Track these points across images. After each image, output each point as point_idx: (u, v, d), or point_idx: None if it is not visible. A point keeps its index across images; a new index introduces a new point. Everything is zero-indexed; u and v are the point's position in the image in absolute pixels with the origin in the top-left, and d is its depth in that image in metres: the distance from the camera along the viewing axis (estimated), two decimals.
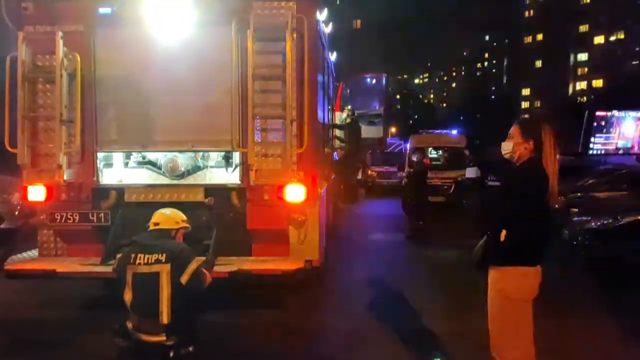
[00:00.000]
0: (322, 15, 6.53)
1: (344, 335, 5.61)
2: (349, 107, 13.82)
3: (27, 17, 5.91)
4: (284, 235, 6.01)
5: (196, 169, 6.38)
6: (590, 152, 17.96)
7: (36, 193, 5.90)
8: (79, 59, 5.82)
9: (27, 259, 6.10)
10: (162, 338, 3.91)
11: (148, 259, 3.93)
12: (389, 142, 23.72)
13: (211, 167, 6.43)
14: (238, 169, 6.11)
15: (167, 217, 4.20)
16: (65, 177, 5.79)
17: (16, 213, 9.25)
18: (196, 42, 5.89)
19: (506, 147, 3.56)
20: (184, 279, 3.89)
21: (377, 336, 5.53)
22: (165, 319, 3.89)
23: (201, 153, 6.38)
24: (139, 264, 3.93)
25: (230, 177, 6.24)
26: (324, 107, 7.42)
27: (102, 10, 5.88)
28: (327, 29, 7.67)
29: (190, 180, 6.26)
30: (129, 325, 3.97)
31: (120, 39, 5.97)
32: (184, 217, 4.29)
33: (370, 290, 7.28)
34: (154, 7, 5.68)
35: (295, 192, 5.81)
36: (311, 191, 5.96)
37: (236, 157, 6.18)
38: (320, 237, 6.30)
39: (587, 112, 18.35)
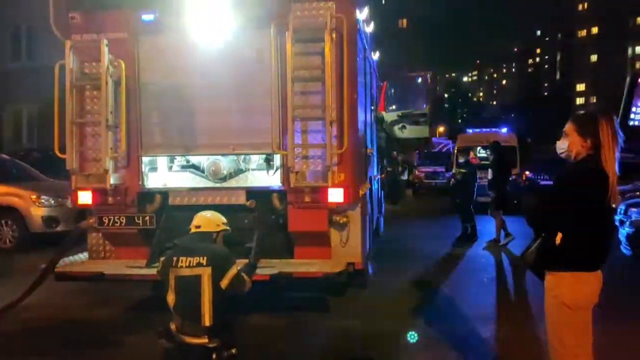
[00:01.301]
0: (362, 14, 6.45)
1: (389, 339, 5.49)
2: (385, 104, 13.61)
3: (75, 27, 6.10)
4: (325, 237, 5.95)
5: (238, 171, 6.41)
6: (631, 122, 17.02)
7: (85, 197, 6.08)
8: (123, 65, 5.96)
9: (77, 262, 6.30)
10: (205, 340, 3.93)
11: (190, 262, 3.96)
12: (436, 141, 23.33)
13: (252, 169, 6.46)
14: (279, 171, 6.11)
15: (209, 220, 4.22)
16: (112, 182, 5.94)
17: (69, 216, 9.59)
18: (236, 46, 5.93)
19: (562, 146, 3.36)
20: (223, 283, 3.90)
21: (423, 341, 5.39)
22: (207, 321, 3.91)
23: (243, 156, 6.41)
24: (181, 266, 3.97)
25: (271, 179, 6.24)
26: (366, 107, 7.32)
27: (145, 17, 6.00)
28: (369, 28, 7.57)
29: (232, 183, 6.30)
30: (173, 327, 4.01)
31: (162, 45, 6.08)
32: (224, 220, 4.30)
33: (416, 293, 7.13)
34: (195, 13, 5.74)
35: (336, 194, 5.75)
36: (352, 193, 5.88)
37: (277, 159, 6.17)
38: (363, 240, 6.22)
39: (628, 78, 17.42)
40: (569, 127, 3.34)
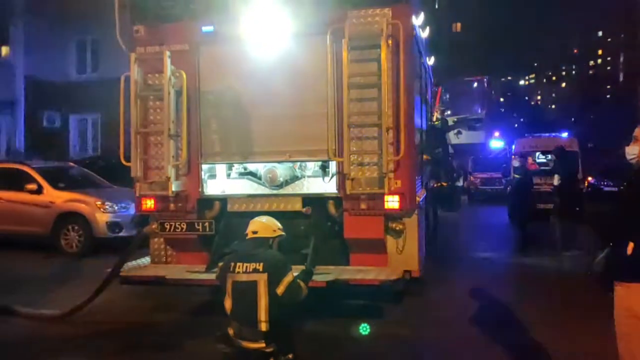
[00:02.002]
0: (418, 20, 6.40)
1: (444, 348, 5.40)
2: (440, 110, 13.42)
3: (138, 40, 6.35)
4: (381, 244, 5.92)
5: (294, 178, 6.48)
6: None
7: (148, 204, 6.29)
8: (184, 76, 6.14)
9: (140, 266, 6.52)
10: (262, 345, 3.98)
11: (246, 267, 4.02)
12: (492, 147, 22.76)
13: (308, 176, 6.51)
14: (335, 178, 6.13)
15: (265, 226, 4.27)
16: (173, 189, 6.12)
17: (131, 222, 9.94)
18: (293, 54, 6.01)
19: (631, 151, 3.22)
20: (279, 290, 3.93)
21: (482, 352, 5.26)
22: (264, 326, 3.95)
23: (299, 163, 6.47)
24: (238, 272, 4.03)
25: (327, 186, 6.27)
26: (422, 113, 7.25)
27: (205, 28, 6.17)
28: (424, 34, 7.50)
29: (288, 190, 6.37)
30: (230, 332, 4.07)
31: (221, 55, 6.24)
32: (280, 225, 4.34)
33: (473, 302, 6.96)
34: (253, 23, 5.86)
35: (392, 201, 5.72)
36: (409, 200, 5.83)
37: (332, 166, 6.19)
38: (420, 247, 6.15)
39: None
40: (638, 131, 3.20)
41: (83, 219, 10.45)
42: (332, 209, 6.05)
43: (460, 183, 17.49)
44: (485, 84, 18.51)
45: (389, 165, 5.63)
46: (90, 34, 20.48)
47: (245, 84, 6.19)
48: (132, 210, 10.11)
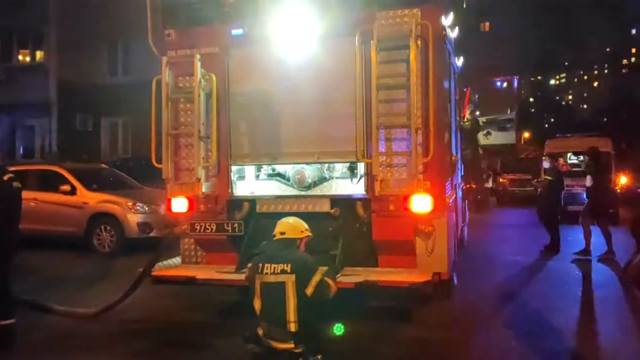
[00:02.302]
0: (447, 20, 6.35)
1: (474, 351, 5.34)
2: (469, 110, 13.25)
3: (170, 43, 6.45)
4: (410, 246, 5.88)
5: (322, 180, 6.49)
6: None
7: (179, 205, 6.37)
8: (214, 78, 6.21)
9: (171, 266, 6.61)
10: (291, 345, 4.00)
11: (274, 268, 4.05)
12: (521, 148, 22.41)
13: (337, 178, 6.50)
14: (363, 179, 6.11)
15: (292, 227, 4.29)
16: (203, 190, 6.18)
17: (162, 223, 10.09)
18: (321, 56, 6.02)
19: None
20: (308, 290, 3.95)
21: (512, 357, 5.19)
22: (293, 327, 3.97)
23: (327, 164, 6.48)
24: (266, 273, 4.06)
25: (355, 187, 6.25)
26: (451, 114, 7.19)
27: (235, 31, 6.23)
28: (453, 34, 7.44)
29: (316, 191, 6.38)
30: (260, 332, 4.11)
31: (250, 57, 6.28)
32: (307, 226, 4.36)
33: (501, 305, 6.88)
34: (282, 25, 5.89)
35: (421, 203, 5.67)
36: (438, 201, 5.78)
37: (361, 167, 6.18)
38: (449, 249, 6.09)
39: None
40: None
41: (115, 219, 10.67)
42: (360, 210, 6.04)
43: (489, 184, 17.27)
44: (515, 84, 18.21)
45: (418, 167, 5.59)
46: (121, 38, 20.90)
47: (274, 86, 6.23)
48: (161, 211, 10.29)
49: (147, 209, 10.77)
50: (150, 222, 10.63)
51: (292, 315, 3.98)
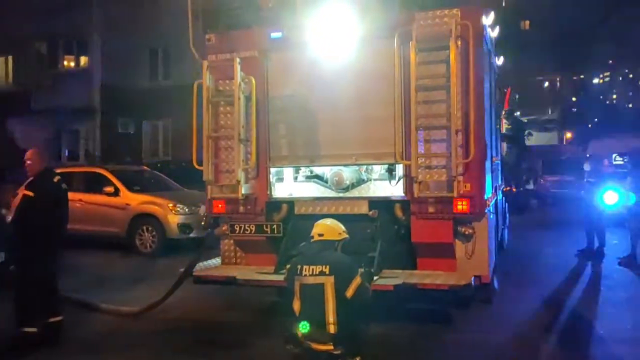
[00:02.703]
0: (488, 19, 6.26)
1: (515, 356, 5.24)
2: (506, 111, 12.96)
3: (210, 47, 6.56)
4: (450, 249, 5.82)
5: (360, 181, 6.48)
6: None
7: (219, 206, 6.47)
8: (254, 82, 6.29)
9: (211, 266, 6.72)
10: (330, 347, 4.00)
11: (313, 270, 4.04)
12: (564, 148, 21.84)
13: (375, 179, 6.49)
14: (401, 181, 6.08)
15: (331, 229, 4.28)
16: (243, 192, 6.26)
17: (202, 224, 10.26)
18: (359, 58, 6.02)
19: None
20: (349, 293, 3.94)
21: None
22: (332, 328, 3.98)
23: (365, 166, 6.47)
24: (305, 275, 4.06)
25: (394, 189, 6.23)
26: (491, 115, 7.08)
27: (274, 35, 6.29)
28: (494, 33, 7.33)
29: (354, 193, 6.38)
30: (299, 333, 4.13)
31: (289, 60, 6.34)
32: (344, 228, 4.34)
33: (543, 309, 6.73)
34: (321, 28, 5.93)
35: (461, 205, 5.61)
36: (478, 203, 5.71)
37: (399, 169, 6.15)
38: (490, 252, 6.00)
39: None
40: None
41: (156, 220, 10.91)
42: (399, 212, 6.01)
43: (530, 186, 16.90)
44: (557, 84, 17.75)
45: (458, 168, 5.53)
46: (162, 43, 21.35)
47: (313, 88, 6.27)
48: (201, 212, 10.46)
49: (187, 210, 10.96)
50: (190, 223, 10.81)
51: (331, 316, 3.98)
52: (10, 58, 24.76)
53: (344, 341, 4.03)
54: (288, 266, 4.35)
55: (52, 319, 5.56)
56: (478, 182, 5.74)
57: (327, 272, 4.00)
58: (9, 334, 5.41)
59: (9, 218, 5.65)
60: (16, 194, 5.70)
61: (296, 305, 4.14)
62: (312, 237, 4.30)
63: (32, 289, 5.40)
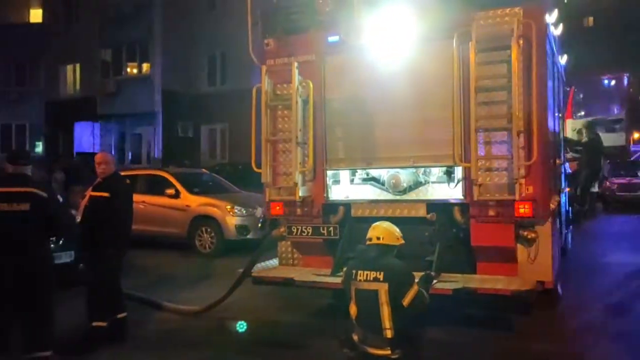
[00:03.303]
0: (551, 17, 6.07)
1: None
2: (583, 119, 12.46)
3: (269, 52, 6.68)
4: (511, 253, 5.67)
5: (417, 184, 6.42)
6: None
7: (277, 208, 6.57)
8: (311, 85, 6.34)
9: (269, 268, 6.83)
10: (387, 352, 3.96)
11: (367, 275, 3.97)
12: (633, 149, 20.80)
13: (433, 182, 6.40)
14: (460, 184, 5.98)
15: (390, 233, 4.17)
16: (300, 194, 6.32)
17: (259, 225, 10.43)
18: (417, 59, 5.97)
19: None
20: (405, 302, 3.86)
21: None
22: (389, 333, 3.93)
23: (422, 168, 6.40)
24: (360, 280, 3.99)
25: (453, 192, 6.13)
26: (554, 115, 6.85)
27: (331, 38, 6.33)
28: (557, 31, 7.09)
29: (412, 195, 6.32)
30: (355, 337, 4.10)
31: (346, 63, 6.36)
32: (400, 233, 4.23)
33: (612, 318, 6.43)
34: (378, 30, 5.92)
35: (523, 208, 5.46)
36: (541, 207, 5.54)
37: (458, 172, 6.05)
38: (553, 257, 5.81)
39: None
40: None
41: (215, 221, 11.15)
42: (458, 215, 5.91)
43: (595, 189, 16.18)
44: (625, 82, 16.91)
45: (520, 171, 5.38)
46: (219, 49, 21.90)
47: (370, 91, 6.26)
48: (258, 214, 10.64)
49: (244, 212, 11.16)
50: (247, 224, 11.00)
51: (387, 322, 3.91)
52: (77, 66, 26.10)
53: (401, 345, 3.98)
54: (344, 269, 4.34)
55: (118, 316, 5.79)
56: (541, 184, 5.57)
57: (381, 279, 3.92)
58: (83, 328, 5.66)
59: (78, 218, 5.92)
60: (84, 196, 5.98)
61: (352, 310, 4.11)
62: (370, 239, 4.21)
63: (100, 287, 5.64)
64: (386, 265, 4.01)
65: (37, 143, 27.68)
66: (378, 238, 4.16)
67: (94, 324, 5.54)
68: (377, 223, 4.30)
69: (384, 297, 3.91)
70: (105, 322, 5.60)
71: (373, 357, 3.99)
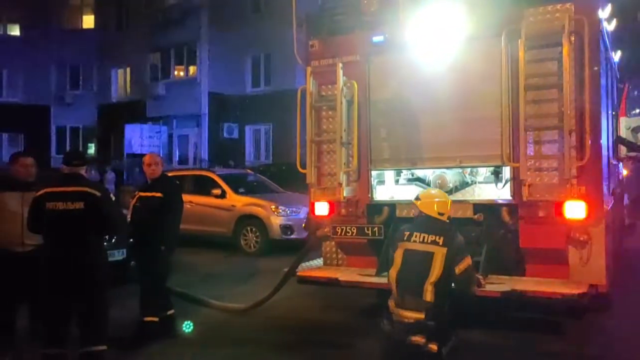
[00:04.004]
0: (604, 12, 5.88)
1: None
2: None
3: (313, 54, 6.72)
4: (562, 255, 5.52)
5: (464, 184, 6.34)
6: None
7: (321, 209, 6.59)
8: (356, 85, 6.34)
9: (314, 267, 6.87)
10: (421, 316, 3.90)
11: (424, 237, 4.00)
12: None
13: (479, 182, 6.32)
14: (509, 184, 5.87)
15: (446, 206, 4.26)
16: (344, 194, 6.31)
17: (303, 225, 10.50)
18: (463, 58, 5.89)
19: None
20: (459, 268, 3.87)
21: None
22: (429, 296, 3.89)
23: (468, 169, 6.31)
24: (414, 241, 4.01)
25: (500, 192, 6.02)
26: (608, 113, 6.63)
27: (376, 39, 6.31)
28: (610, 27, 6.85)
29: (458, 196, 6.23)
30: (391, 304, 4.05)
31: (391, 64, 6.32)
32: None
33: None
34: (424, 30, 5.86)
35: (575, 209, 5.30)
36: (594, 208, 5.36)
37: (506, 172, 5.94)
38: (607, 259, 5.61)
39: None
40: None
41: (259, 221, 11.30)
42: (506, 216, 5.79)
43: None
44: None
45: (571, 171, 5.23)
46: (264, 50, 22.15)
47: (415, 91, 6.21)
48: (302, 214, 10.71)
49: (288, 212, 11.26)
50: (292, 224, 11.09)
51: (430, 285, 3.89)
52: (128, 70, 26.94)
53: (436, 317, 3.88)
54: (390, 231, 4.33)
55: (168, 312, 5.95)
56: (593, 185, 5.40)
57: (441, 243, 3.94)
58: (135, 324, 5.83)
59: (128, 218, 6.10)
60: (134, 196, 6.16)
61: (393, 272, 4.07)
62: (423, 212, 4.23)
63: (150, 284, 5.80)
64: (447, 232, 4.04)
65: (89, 145, 28.71)
66: (440, 214, 4.20)
67: (146, 319, 5.70)
68: (434, 191, 4.47)
69: (439, 261, 3.90)
70: (157, 317, 5.76)
71: (406, 324, 3.92)
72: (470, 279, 3.98)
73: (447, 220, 4.26)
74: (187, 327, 5.41)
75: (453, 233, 4.09)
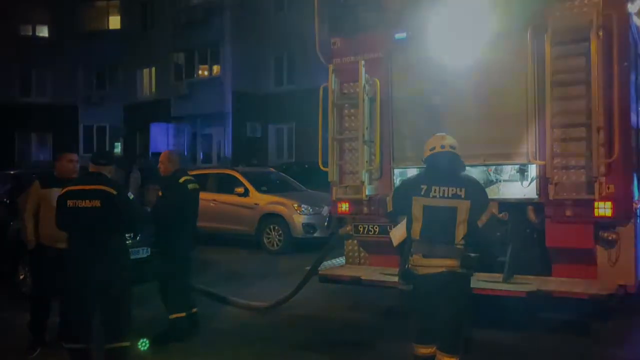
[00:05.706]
0: (634, 6, 5.72)
1: None
2: None
3: (336, 51, 6.69)
4: (590, 255, 5.40)
5: (488, 183, 6.22)
6: None
7: (343, 207, 6.57)
8: (378, 83, 6.29)
9: (336, 266, 6.84)
10: (453, 263, 3.63)
11: (444, 191, 3.65)
12: None
13: (504, 180, 6.21)
14: (534, 182, 5.75)
15: (456, 143, 3.92)
16: (367, 193, 6.28)
17: (325, 224, 10.49)
18: (487, 55, 5.78)
19: None
20: (481, 221, 3.67)
21: None
22: (459, 240, 3.61)
23: (493, 167, 6.21)
24: (434, 196, 3.65)
25: (526, 191, 5.91)
26: (637, 110, 6.45)
27: (398, 36, 6.25)
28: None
29: None
30: (417, 256, 3.72)
31: (414, 61, 6.24)
32: None
33: None
34: (447, 26, 5.79)
35: (603, 208, 5.17)
36: (623, 206, 5.23)
37: (532, 170, 5.83)
38: (637, 260, 5.46)
39: None
40: None
41: (282, 220, 11.33)
42: (531, 215, 5.68)
43: None
44: None
45: (599, 169, 5.10)
46: (286, 49, 22.19)
47: (438, 88, 6.13)
48: (324, 212, 10.70)
49: (311, 210, 11.27)
50: (314, 223, 11.10)
51: (460, 235, 3.62)
52: (153, 70, 27.27)
53: (470, 266, 3.62)
54: (403, 181, 4.12)
55: (192, 310, 5.99)
56: (623, 183, 5.26)
57: (463, 196, 3.61)
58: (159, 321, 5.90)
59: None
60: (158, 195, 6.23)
61: (416, 228, 3.72)
62: (443, 147, 3.89)
63: (171, 282, 5.84)
64: (466, 181, 3.71)
65: (116, 144, 29.17)
66: (452, 147, 3.86)
67: (173, 316, 5.75)
68: (439, 134, 4.06)
69: (463, 215, 3.62)
70: (184, 313, 5.80)
71: (434, 275, 3.62)
72: (493, 228, 3.80)
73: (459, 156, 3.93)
74: (143, 345, 5.29)
75: (474, 183, 3.78)
